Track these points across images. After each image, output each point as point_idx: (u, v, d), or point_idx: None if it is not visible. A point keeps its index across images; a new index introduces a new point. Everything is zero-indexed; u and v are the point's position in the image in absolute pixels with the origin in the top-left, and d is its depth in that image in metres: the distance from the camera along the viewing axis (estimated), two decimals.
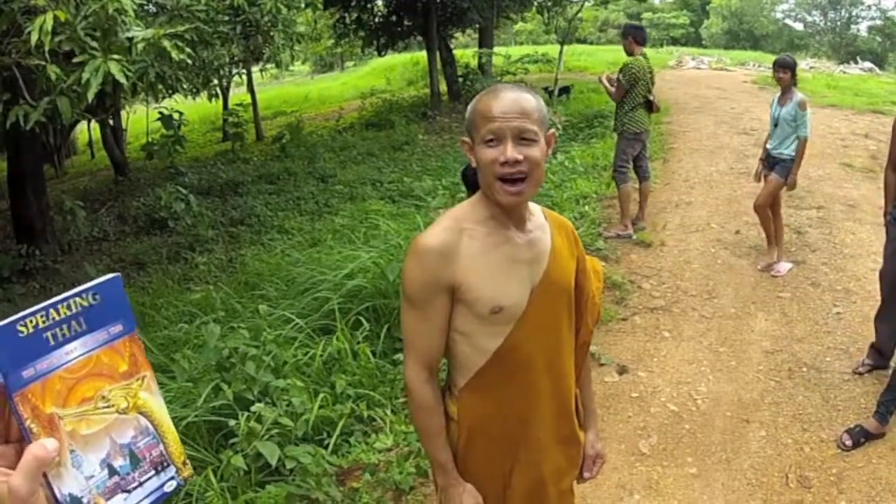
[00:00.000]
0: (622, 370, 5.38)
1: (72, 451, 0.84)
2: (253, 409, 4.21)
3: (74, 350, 0.88)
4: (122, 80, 5.29)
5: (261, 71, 21.76)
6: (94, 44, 5.37)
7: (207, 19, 7.45)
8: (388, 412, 4.86)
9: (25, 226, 12.13)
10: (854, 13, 54.53)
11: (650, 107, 8.06)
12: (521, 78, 21.48)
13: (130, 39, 5.61)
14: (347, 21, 22.52)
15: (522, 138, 1.94)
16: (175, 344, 5.99)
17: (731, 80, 22.24)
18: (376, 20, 22.99)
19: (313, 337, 5.62)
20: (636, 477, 4.20)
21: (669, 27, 56.51)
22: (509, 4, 22.99)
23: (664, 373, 5.32)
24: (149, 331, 6.57)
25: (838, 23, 54.95)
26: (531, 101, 1.98)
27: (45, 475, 0.80)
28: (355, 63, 44.72)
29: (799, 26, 57.68)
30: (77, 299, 0.90)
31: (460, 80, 21.81)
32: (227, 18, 8.43)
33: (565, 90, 18.83)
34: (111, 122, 18.88)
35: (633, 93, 7.80)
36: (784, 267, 6.95)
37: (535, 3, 24.02)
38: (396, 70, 33.54)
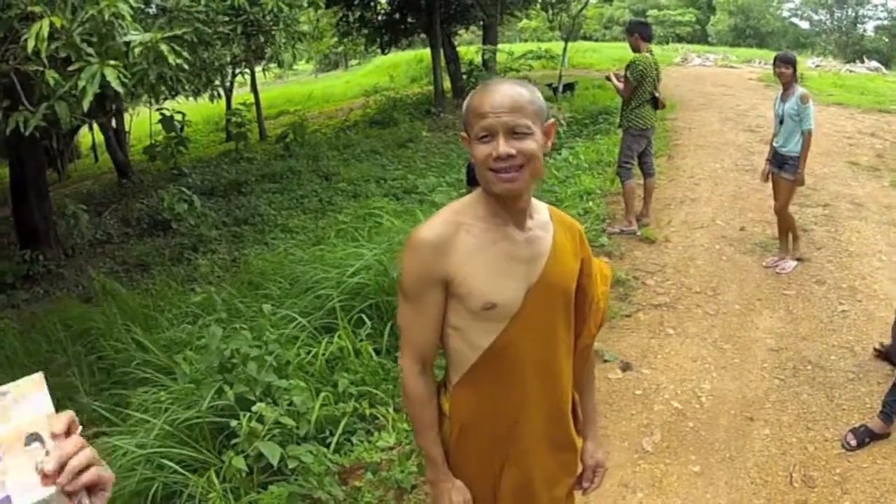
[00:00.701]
0: (626, 367, 5.35)
1: None
2: (254, 409, 4.19)
3: None
4: (119, 87, 5.28)
5: (263, 70, 21.72)
6: (91, 50, 5.35)
7: (207, 20, 7.43)
8: (391, 410, 4.84)
9: (29, 231, 12.17)
10: (861, 12, 54.34)
11: (656, 103, 8.04)
12: (525, 75, 21.42)
13: (128, 44, 5.60)
14: (350, 19, 22.52)
15: (515, 132, 1.93)
16: (177, 345, 5.99)
17: (737, 78, 22.18)
18: (379, 18, 23.01)
19: (316, 335, 5.61)
20: (639, 475, 4.18)
21: (675, 24, 56.41)
22: (513, 1, 22.99)
23: (668, 370, 5.29)
24: (152, 332, 6.57)
25: (845, 22, 54.77)
26: (524, 94, 1.96)
27: None
28: (359, 61, 44.78)
29: (805, 25, 57.57)
30: None
31: (464, 77, 21.79)
32: (227, 19, 8.41)
33: (569, 87, 18.79)
34: (114, 124, 18.94)
35: (641, 89, 7.76)
36: (790, 264, 6.91)
37: (539, 0, 24.00)
38: (400, 68, 33.54)
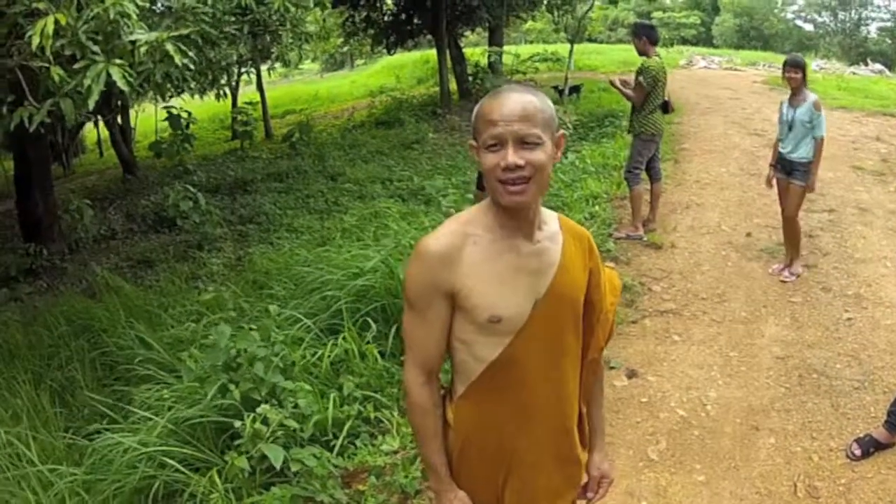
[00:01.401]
0: (631, 374, 5.34)
1: None
2: (259, 410, 4.18)
3: None
4: (124, 86, 5.27)
5: (269, 70, 21.75)
6: (96, 48, 5.35)
7: (214, 21, 7.42)
8: (395, 414, 4.84)
9: (33, 224, 12.17)
10: (864, 14, 54.32)
11: (666, 108, 8.02)
12: (531, 77, 21.43)
13: (133, 43, 5.59)
14: (357, 19, 22.53)
15: (525, 142, 1.91)
16: (182, 343, 5.98)
17: (742, 81, 22.18)
18: (386, 18, 23.01)
19: (321, 337, 5.60)
20: (644, 483, 4.17)
21: (680, 26, 56.38)
22: (519, 3, 22.97)
23: (674, 377, 5.28)
24: (155, 330, 6.57)
25: (848, 24, 54.73)
26: (535, 103, 1.94)
27: None
28: (365, 61, 44.75)
29: (809, 27, 57.52)
30: None
31: (470, 78, 21.78)
32: (233, 19, 8.40)
33: (575, 89, 18.79)
34: (119, 121, 18.95)
35: (653, 94, 7.72)
36: (795, 271, 6.88)
37: (545, 2, 23.97)
38: (406, 68, 33.57)
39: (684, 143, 12.95)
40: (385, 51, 25.45)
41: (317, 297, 6.29)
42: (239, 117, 20.42)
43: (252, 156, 18.68)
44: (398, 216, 8.98)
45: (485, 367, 2.06)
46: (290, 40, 10.97)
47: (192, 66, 6.37)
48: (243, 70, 20.71)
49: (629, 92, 7.90)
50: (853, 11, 54.24)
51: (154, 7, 7.62)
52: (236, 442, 4.16)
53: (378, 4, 22.51)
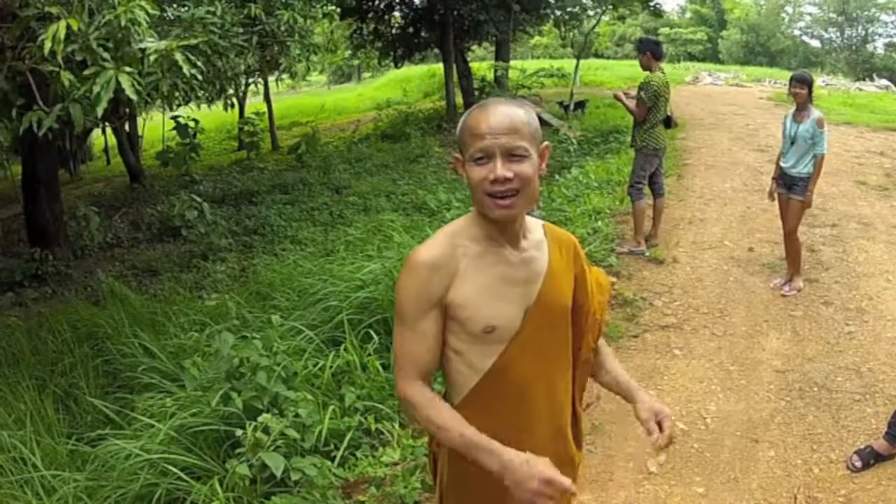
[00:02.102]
0: None
1: None
2: (260, 419, 4.20)
3: None
4: (133, 94, 5.31)
5: (276, 81, 21.85)
6: (106, 55, 5.39)
7: (223, 33, 7.48)
8: (396, 426, 4.85)
9: (39, 230, 12.22)
10: (871, 30, 54.35)
11: (669, 123, 8.04)
12: (537, 92, 21.50)
13: (143, 51, 5.64)
14: (364, 32, 22.63)
15: (512, 155, 1.93)
16: (185, 352, 6.00)
17: (747, 97, 22.20)
18: (393, 31, 23.11)
19: (323, 348, 5.63)
20: (644, 495, 4.18)
21: (687, 42, 56.49)
22: (526, 18, 23.08)
23: (674, 391, 5.29)
24: (159, 338, 6.59)
25: (855, 40, 54.76)
26: (521, 116, 1.96)
27: None
28: (372, 74, 44.89)
29: (815, 43, 57.56)
30: None
31: (476, 92, 21.85)
32: (241, 30, 8.47)
33: (580, 105, 18.84)
34: (127, 128, 19.02)
35: (655, 109, 7.71)
36: (796, 286, 6.90)
37: (552, 18, 24.08)
38: (413, 82, 33.65)
39: (688, 158, 12.97)
40: (392, 64, 25.52)
41: (319, 309, 6.33)
42: (246, 128, 20.51)
43: (258, 167, 18.76)
44: (402, 229, 9.01)
45: (480, 377, 2.08)
46: (298, 52, 11.03)
47: (199, 76, 6.42)
48: (251, 81, 20.80)
49: (632, 105, 7.90)
50: (860, 28, 54.27)
51: (164, 15, 7.68)
52: (238, 450, 4.18)
53: (386, 17, 22.64)
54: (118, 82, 5.32)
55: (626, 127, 14.14)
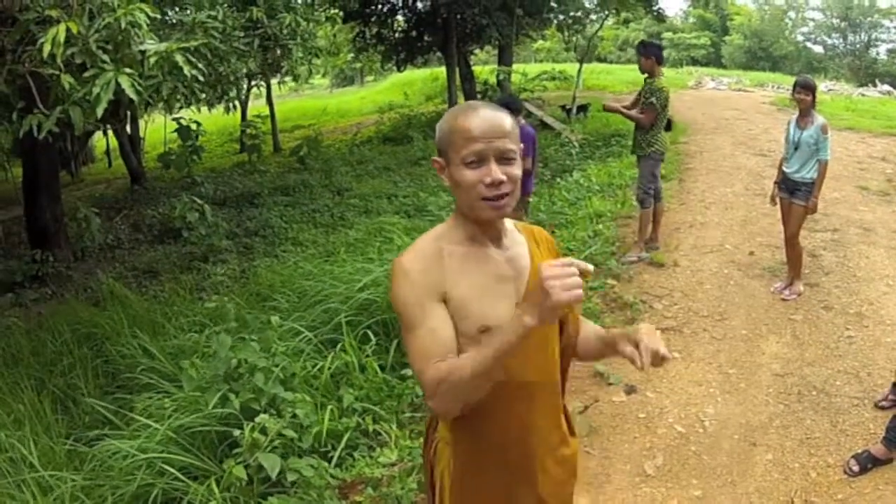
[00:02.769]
0: (630, 390, 5.35)
1: None
2: (258, 419, 4.21)
3: None
4: (133, 95, 5.32)
5: (279, 83, 21.91)
6: (106, 57, 5.40)
7: (224, 37, 7.49)
8: (394, 427, 4.86)
9: (39, 231, 12.24)
10: (874, 36, 54.35)
11: (669, 126, 8.04)
12: (539, 96, 21.52)
13: (143, 53, 5.65)
14: (367, 35, 22.66)
15: (504, 158, 1.96)
16: (184, 353, 6.01)
17: (750, 102, 22.19)
18: (396, 35, 23.12)
19: (321, 349, 5.63)
20: (640, 498, 4.17)
21: (690, 47, 56.51)
22: (529, 22, 23.09)
23: (672, 393, 5.29)
24: (158, 339, 6.60)
25: (858, 45, 54.78)
26: (507, 119, 1.99)
27: None
28: (375, 77, 44.96)
29: (818, 49, 57.55)
30: None
31: (479, 96, 21.85)
32: (243, 34, 8.48)
33: (583, 108, 18.84)
34: (128, 130, 19.04)
35: (662, 114, 7.67)
36: (796, 290, 6.89)
37: (555, 22, 24.10)
38: (415, 85, 33.70)
39: (690, 162, 12.97)
40: (395, 67, 25.57)
41: (319, 310, 6.34)
42: (248, 130, 20.53)
43: (260, 169, 18.79)
44: (403, 232, 9.01)
45: None
46: (301, 55, 11.05)
47: (201, 78, 6.43)
48: (253, 83, 20.83)
49: (636, 114, 7.81)
50: (863, 33, 54.28)
51: (166, 18, 7.69)
52: (235, 451, 4.19)
53: (389, 21, 22.66)
54: (118, 83, 5.33)
55: (627, 131, 14.13)
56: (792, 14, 57.57)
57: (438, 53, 23.43)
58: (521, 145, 2.07)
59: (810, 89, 6.52)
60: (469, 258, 2.04)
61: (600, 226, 8.99)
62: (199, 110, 10.85)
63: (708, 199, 10.41)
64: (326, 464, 4.40)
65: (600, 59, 45.40)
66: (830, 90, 25.41)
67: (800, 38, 57.50)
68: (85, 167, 24.73)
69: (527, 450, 2.17)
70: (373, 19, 22.00)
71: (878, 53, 54.21)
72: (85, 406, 5.75)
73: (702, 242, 8.51)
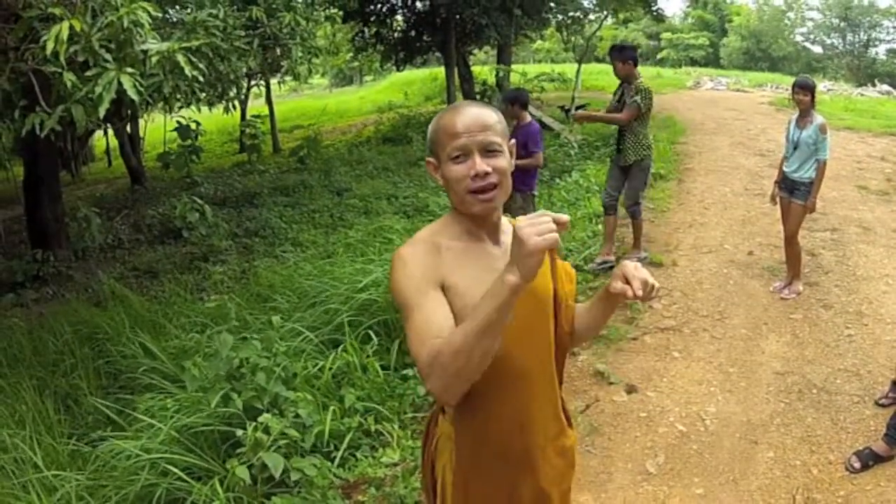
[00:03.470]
0: (631, 389, 5.36)
1: None
2: (260, 419, 4.21)
3: None
4: (135, 95, 5.32)
5: (279, 83, 21.92)
6: (108, 56, 5.40)
7: (225, 36, 7.49)
8: (396, 427, 4.87)
9: (40, 231, 12.23)
10: (873, 36, 54.40)
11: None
12: (538, 96, 21.51)
13: (145, 52, 5.65)
14: (366, 35, 22.65)
15: (488, 150, 1.99)
16: (185, 353, 6.01)
17: (749, 102, 22.22)
18: (395, 35, 23.12)
19: (323, 349, 5.64)
20: (642, 497, 4.19)
21: (689, 48, 56.54)
22: (528, 22, 23.08)
23: (673, 393, 5.30)
24: (160, 339, 6.60)
25: (857, 45, 54.82)
26: (492, 115, 2.04)
27: None
28: (374, 77, 44.96)
29: (817, 49, 57.61)
30: None
31: (478, 96, 21.85)
32: (243, 33, 8.48)
33: (582, 109, 18.81)
34: (129, 130, 19.03)
35: (646, 117, 7.48)
36: (796, 289, 6.91)
37: (554, 22, 24.11)
38: (415, 85, 33.71)
39: (689, 162, 12.99)
40: (394, 67, 25.57)
41: (320, 311, 6.34)
42: (247, 130, 20.50)
43: (259, 169, 18.77)
44: (403, 232, 9.02)
45: None
46: (300, 54, 11.04)
47: (201, 78, 6.43)
48: (253, 83, 20.81)
49: (614, 115, 7.64)
50: (862, 33, 54.32)
51: (167, 16, 7.69)
52: (238, 450, 4.19)
53: (388, 21, 22.65)
54: (120, 83, 5.33)
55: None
56: (791, 14, 57.60)
57: (437, 53, 23.44)
58: (513, 140, 2.12)
59: (809, 89, 6.54)
60: (466, 253, 2.06)
61: (599, 226, 8.99)
62: (198, 110, 10.82)
63: (707, 199, 10.42)
64: (329, 463, 4.42)
65: (599, 60, 45.33)
66: (829, 90, 25.45)
67: (798, 37, 57.61)
68: (85, 167, 24.70)
69: (528, 441, 2.19)
70: (372, 19, 21.97)
71: (877, 53, 54.32)
72: (87, 406, 5.75)
73: (701, 242, 8.52)
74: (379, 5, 22.00)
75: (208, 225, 11.87)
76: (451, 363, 1.75)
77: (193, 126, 16.21)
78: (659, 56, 56.85)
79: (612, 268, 7.61)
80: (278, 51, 10.54)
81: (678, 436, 4.76)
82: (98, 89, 5.24)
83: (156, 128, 23.09)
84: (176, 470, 4.21)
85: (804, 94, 6.53)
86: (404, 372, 5.40)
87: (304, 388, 4.95)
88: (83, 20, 5.20)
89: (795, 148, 6.62)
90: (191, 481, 4.14)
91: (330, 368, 5.27)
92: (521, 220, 1.69)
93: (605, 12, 22.23)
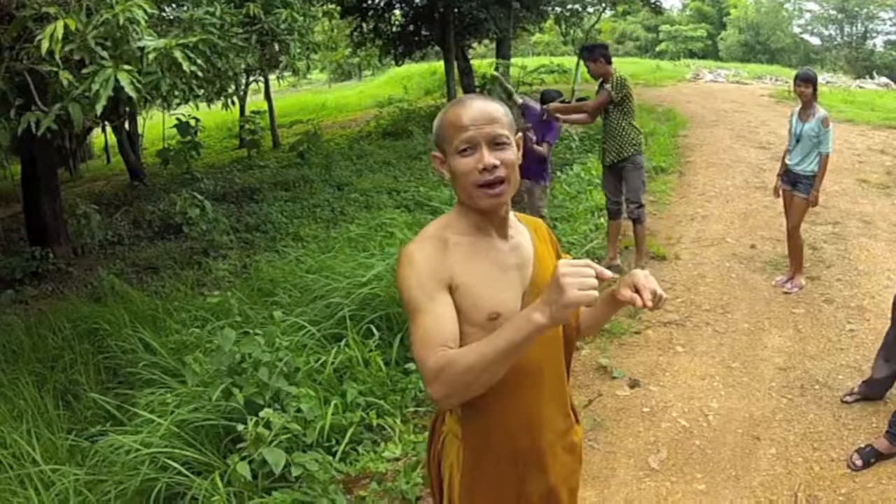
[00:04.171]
0: (634, 384, 5.35)
1: None
2: (262, 414, 4.20)
3: None
4: (132, 92, 5.29)
5: (278, 78, 21.90)
6: (105, 53, 5.38)
7: (222, 33, 7.46)
8: (398, 421, 4.87)
9: (39, 228, 12.22)
10: (870, 27, 54.36)
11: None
12: (537, 89, 21.46)
13: (142, 49, 5.63)
14: (365, 30, 22.60)
15: (496, 143, 1.98)
16: (187, 348, 6.01)
17: (748, 94, 22.19)
18: (394, 29, 23.08)
19: (324, 344, 5.63)
20: (644, 492, 4.17)
21: (687, 40, 56.47)
22: (526, 16, 23.05)
23: (676, 387, 5.29)
24: (160, 335, 6.59)
25: (854, 37, 54.76)
26: (498, 108, 2.02)
27: None
28: (373, 72, 44.86)
29: (815, 41, 57.54)
30: None
31: (477, 89, 21.82)
32: (240, 30, 8.45)
33: (582, 101, 18.79)
34: (127, 127, 18.99)
35: (629, 110, 7.28)
36: (798, 284, 6.89)
37: (553, 15, 24.05)
38: (414, 79, 33.66)
39: (690, 156, 12.98)
40: (393, 62, 25.52)
41: (321, 305, 6.33)
42: (247, 126, 20.46)
43: (259, 164, 18.75)
44: (404, 226, 9.00)
45: None
46: (298, 50, 11.00)
47: (200, 74, 6.40)
48: (251, 79, 20.77)
49: (580, 104, 7.51)
50: (860, 25, 54.27)
51: (164, 13, 7.65)
52: (239, 445, 4.18)
53: (386, 15, 22.60)
54: (117, 80, 5.31)
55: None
56: (789, 6, 57.55)
57: (436, 47, 23.40)
58: (520, 134, 2.10)
59: (811, 82, 6.51)
60: (475, 247, 2.05)
61: (601, 220, 8.97)
62: (197, 107, 10.81)
63: (708, 193, 10.42)
64: (331, 458, 4.41)
65: None
66: (828, 82, 25.42)
67: (797, 29, 57.51)
68: (83, 164, 24.65)
69: (537, 438, 2.18)
70: (370, 14, 21.91)
71: (874, 45, 54.26)
72: (86, 401, 5.74)
73: (703, 236, 8.51)
74: (377, 0, 21.95)
75: (209, 220, 11.83)
76: (460, 378, 1.76)
77: (192, 123, 16.16)
78: (658, 48, 56.78)
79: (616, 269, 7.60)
80: (276, 47, 10.51)
81: (681, 431, 4.75)
82: (95, 87, 5.22)
83: (154, 125, 23.07)
84: (176, 465, 4.20)
85: (806, 87, 6.49)
86: (406, 366, 5.39)
87: (306, 383, 4.93)
88: (78, 19, 5.18)
89: (798, 141, 6.60)
90: (191, 476, 4.14)
91: (332, 363, 5.25)
92: (564, 266, 1.64)
93: (603, 5, 22.20)
